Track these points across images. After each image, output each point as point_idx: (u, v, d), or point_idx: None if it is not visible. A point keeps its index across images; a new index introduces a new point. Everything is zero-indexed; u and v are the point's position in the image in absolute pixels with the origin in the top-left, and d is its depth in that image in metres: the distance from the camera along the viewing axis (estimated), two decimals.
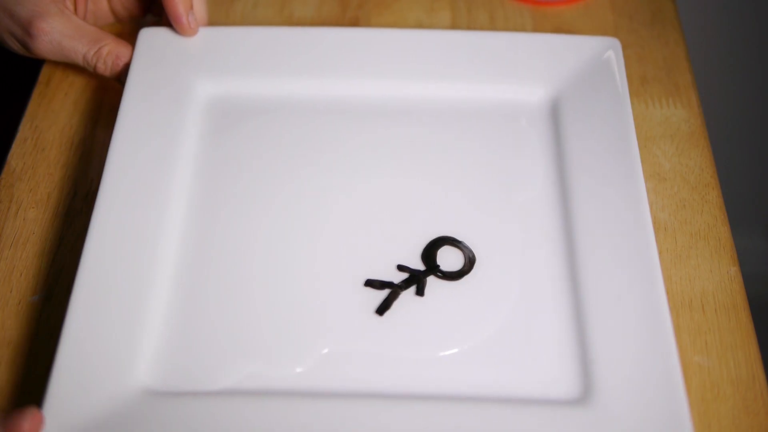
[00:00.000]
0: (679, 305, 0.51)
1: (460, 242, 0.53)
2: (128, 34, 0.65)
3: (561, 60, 0.59)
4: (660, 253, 0.53)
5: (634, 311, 0.48)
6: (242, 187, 0.55)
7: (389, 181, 0.55)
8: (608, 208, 0.52)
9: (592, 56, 0.59)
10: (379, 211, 0.54)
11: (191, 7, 0.59)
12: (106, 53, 0.59)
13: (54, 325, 0.49)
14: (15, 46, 0.60)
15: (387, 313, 0.50)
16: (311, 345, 0.49)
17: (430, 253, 0.52)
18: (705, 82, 0.75)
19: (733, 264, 0.53)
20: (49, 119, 0.60)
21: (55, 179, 0.57)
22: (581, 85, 0.58)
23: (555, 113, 0.58)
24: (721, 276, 0.53)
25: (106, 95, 0.61)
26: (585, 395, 0.46)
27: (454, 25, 0.66)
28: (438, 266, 0.52)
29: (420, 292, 0.51)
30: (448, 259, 0.52)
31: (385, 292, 0.50)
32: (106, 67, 0.59)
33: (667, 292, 0.52)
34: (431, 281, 0.51)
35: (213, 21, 0.65)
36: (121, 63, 0.59)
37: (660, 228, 0.55)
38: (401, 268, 0.52)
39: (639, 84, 0.62)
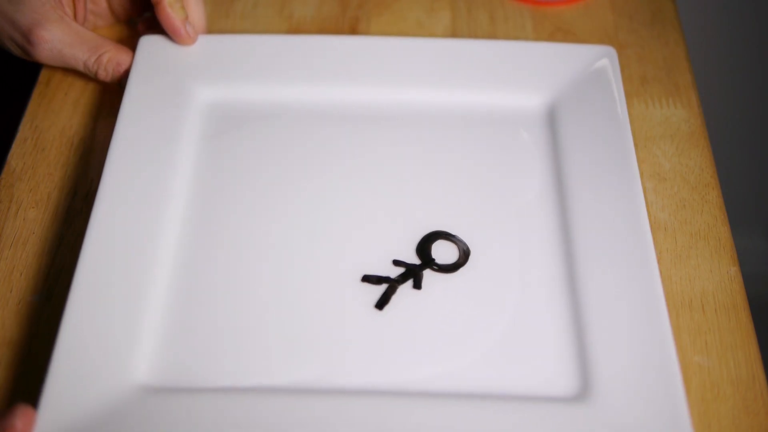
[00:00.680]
0: (679, 305, 0.51)
1: (453, 236, 0.53)
2: (128, 39, 0.65)
3: (557, 67, 0.59)
4: (660, 253, 0.53)
5: (632, 310, 0.48)
6: (240, 187, 0.55)
7: (387, 187, 0.55)
8: (605, 210, 0.53)
9: (589, 63, 0.59)
10: (377, 216, 0.54)
11: (186, 17, 0.59)
12: (107, 60, 0.59)
13: (54, 325, 0.49)
14: (16, 51, 0.60)
15: (386, 311, 0.50)
16: (310, 342, 0.49)
17: (424, 247, 0.52)
18: (705, 82, 0.75)
19: (733, 264, 0.53)
20: (49, 119, 0.60)
21: (55, 179, 0.57)
22: (578, 92, 0.58)
23: (552, 120, 0.58)
24: (721, 276, 0.53)
25: (106, 95, 0.61)
26: (583, 393, 0.46)
27: (454, 26, 0.66)
28: (433, 259, 0.52)
29: (417, 285, 0.51)
30: (444, 254, 0.52)
31: (383, 288, 0.51)
32: (107, 73, 0.59)
33: (667, 292, 0.52)
34: (428, 277, 0.51)
35: (213, 21, 0.65)
36: (122, 69, 0.59)
37: (660, 228, 0.55)
38: (397, 263, 0.52)
39: (639, 84, 0.62)
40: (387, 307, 0.50)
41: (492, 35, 0.65)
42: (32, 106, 0.61)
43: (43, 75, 0.62)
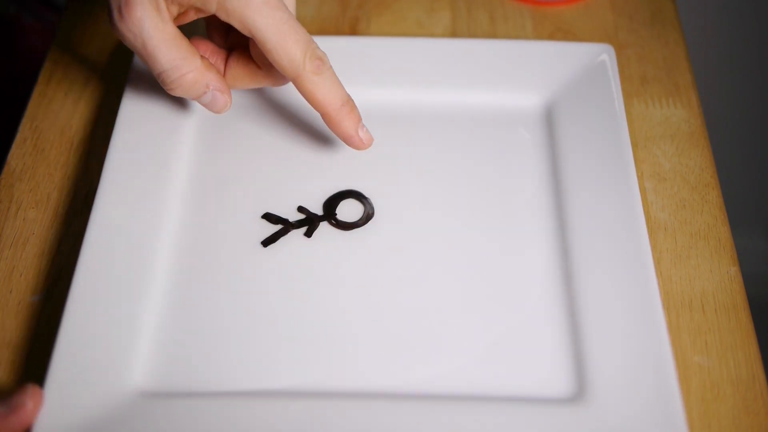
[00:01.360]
0: (679, 305, 0.51)
1: (365, 198, 0.54)
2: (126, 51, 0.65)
3: (555, 66, 0.60)
4: (660, 253, 0.53)
5: (628, 311, 0.48)
6: (240, 189, 0.55)
7: (387, 186, 0.55)
8: (602, 210, 0.53)
9: (587, 62, 0.59)
10: (376, 216, 0.54)
11: (359, 120, 0.53)
12: (189, 81, 0.51)
13: (54, 326, 0.49)
14: (111, 14, 0.50)
15: (387, 316, 0.50)
16: (308, 346, 0.49)
17: (332, 202, 0.54)
18: (705, 82, 0.75)
19: (733, 264, 0.53)
20: (49, 119, 0.60)
21: (55, 179, 0.57)
22: (576, 91, 0.58)
23: (550, 119, 0.58)
24: (721, 276, 0.53)
25: (106, 95, 0.61)
26: (579, 395, 0.46)
27: (454, 26, 0.66)
28: (335, 214, 0.53)
29: (308, 233, 0.53)
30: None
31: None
32: (183, 92, 0.52)
33: (667, 292, 0.52)
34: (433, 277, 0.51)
35: None
36: (220, 105, 0.53)
37: (660, 228, 0.55)
38: (301, 209, 0.54)
39: (639, 84, 0.62)
40: (384, 310, 0.50)
41: (492, 35, 0.65)
42: (32, 106, 0.61)
43: (43, 75, 0.62)
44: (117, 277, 0.50)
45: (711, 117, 0.69)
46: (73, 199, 0.56)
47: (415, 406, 0.46)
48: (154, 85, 0.58)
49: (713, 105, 0.90)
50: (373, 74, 0.60)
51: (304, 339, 0.49)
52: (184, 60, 0.50)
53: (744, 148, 1.15)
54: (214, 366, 0.48)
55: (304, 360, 0.48)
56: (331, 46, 0.61)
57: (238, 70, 0.54)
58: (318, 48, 0.51)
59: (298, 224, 0.53)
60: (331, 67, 0.51)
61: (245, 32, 0.49)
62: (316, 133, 0.58)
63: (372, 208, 0.54)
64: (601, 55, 0.60)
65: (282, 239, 0.53)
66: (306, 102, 0.52)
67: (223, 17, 0.49)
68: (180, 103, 0.58)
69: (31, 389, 0.45)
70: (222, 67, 0.54)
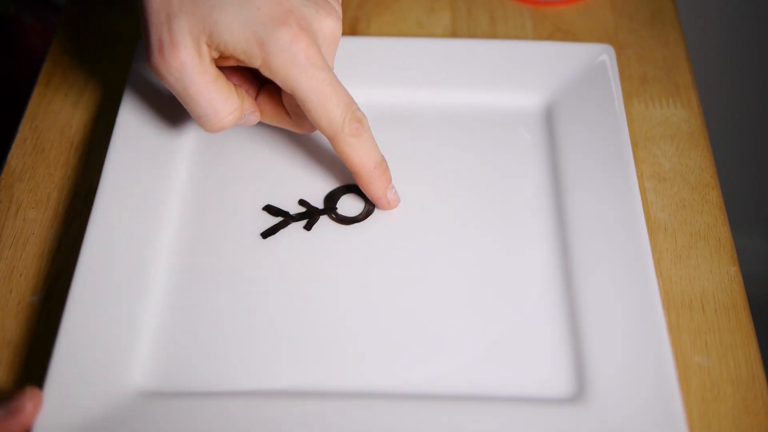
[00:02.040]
0: (679, 305, 0.51)
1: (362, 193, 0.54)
2: (126, 51, 0.65)
3: (555, 66, 0.60)
4: (660, 253, 0.53)
5: (628, 311, 0.48)
6: (240, 188, 0.55)
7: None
8: (602, 210, 0.53)
9: (587, 62, 0.59)
10: (372, 217, 0.54)
11: (390, 181, 0.53)
12: (224, 122, 0.51)
13: (54, 326, 0.49)
14: (150, 49, 0.49)
15: (387, 316, 0.50)
16: (308, 346, 0.49)
17: (333, 196, 0.54)
18: (705, 82, 0.75)
19: (733, 264, 0.53)
20: (49, 119, 0.60)
21: (55, 179, 0.57)
22: (576, 91, 0.59)
23: (550, 119, 0.58)
24: (721, 276, 0.53)
25: (106, 96, 0.61)
26: (579, 395, 0.46)
27: (454, 26, 0.66)
28: (335, 208, 0.54)
29: (308, 226, 0.53)
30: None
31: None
32: (214, 128, 0.51)
33: (667, 292, 0.52)
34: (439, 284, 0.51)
35: None
36: (251, 123, 0.53)
37: (660, 228, 0.55)
38: (302, 202, 0.54)
39: (639, 84, 0.62)
40: (384, 310, 0.50)
41: (492, 35, 0.65)
42: (32, 106, 0.61)
43: (43, 75, 0.62)
44: (117, 277, 0.50)
45: (711, 117, 0.69)
46: (73, 199, 0.56)
47: (415, 406, 0.46)
48: (153, 85, 0.58)
49: (713, 105, 0.90)
50: (373, 74, 0.60)
51: (304, 339, 0.49)
52: (225, 103, 0.50)
53: (744, 148, 1.15)
54: (214, 366, 0.48)
55: (304, 360, 0.48)
56: None
57: (266, 107, 0.53)
58: (358, 110, 0.51)
59: (299, 217, 0.53)
60: (369, 128, 0.51)
61: (287, 90, 0.49)
62: (314, 132, 0.58)
63: (372, 204, 0.54)
64: (601, 55, 0.60)
65: (282, 234, 0.53)
66: None
67: (266, 74, 0.49)
68: (179, 103, 0.58)
69: (30, 391, 0.45)
70: (254, 95, 0.53)
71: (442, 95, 0.60)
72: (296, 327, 0.49)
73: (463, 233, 0.53)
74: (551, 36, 0.65)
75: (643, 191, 0.56)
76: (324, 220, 0.54)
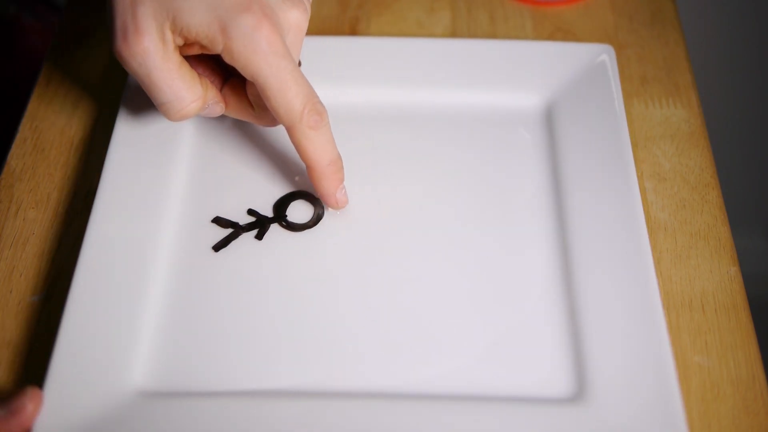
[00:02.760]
0: (679, 305, 0.51)
1: (316, 198, 0.54)
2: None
3: (555, 66, 0.60)
4: (660, 253, 0.53)
5: (628, 311, 0.48)
6: (239, 186, 0.55)
7: (386, 186, 0.55)
8: (602, 210, 0.53)
9: (587, 62, 0.59)
10: (373, 217, 0.54)
11: (342, 181, 0.53)
12: (193, 111, 0.51)
13: (54, 326, 0.49)
14: (115, 36, 0.49)
15: (387, 316, 0.50)
16: (308, 346, 0.49)
17: (282, 203, 0.54)
18: (705, 82, 0.75)
19: (733, 264, 0.53)
20: (49, 119, 0.60)
21: (55, 179, 0.57)
22: (576, 91, 0.59)
23: (550, 119, 0.58)
24: (721, 276, 0.53)
25: (106, 96, 0.61)
26: (579, 395, 0.46)
27: (454, 26, 0.66)
28: (285, 216, 0.53)
29: (259, 236, 0.53)
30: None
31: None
32: (177, 117, 0.51)
33: (667, 292, 0.52)
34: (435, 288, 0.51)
35: None
36: (215, 114, 0.53)
37: (660, 228, 0.55)
38: (251, 212, 0.54)
39: (639, 84, 0.62)
40: (384, 310, 0.50)
41: (492, 35, 0.65)
42: (32, 106, 0.61)
43: (43, 75, 0.62)
44: (117, 277, 0.50)
45: (711, 117, 0.69)
46: (73, 199, 0.56)
47: (415, 406, 0.46)
48: None
49: (713, 105, 0.90)
50: (373, 74, 0.60)
51: (304, 339, 0.49)
52: (187, 91, 0.50)
53: (744, 148, 1.15)
54: (214, 366, 0.48)
55: (304, 360, 0.48)
56: (331, 46, 0.61)
57: (230, 99, 0.53)
58: (319, 102, 0.50)
59: (248, 227, 0.53)
60: (328, 123, 0.51)
61: (248, 76, 0.49)
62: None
63: (323, 208, 0.54)
64: (601, 55, 0.60)
65: (282, 234, 0.53)
66: None
67: (228, 59, 0.48)
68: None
69: (31, 391, 0.45)
70: (219, 86, 0.53)
71: (442, 95, 0.60)
72: (296, 327, 0.49)
73: (463, 233, 0.53)
74: (551, 36, 0.65)
75: (643, 191, 0.56)
76: (323, 221, 0.54)
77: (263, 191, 0.55)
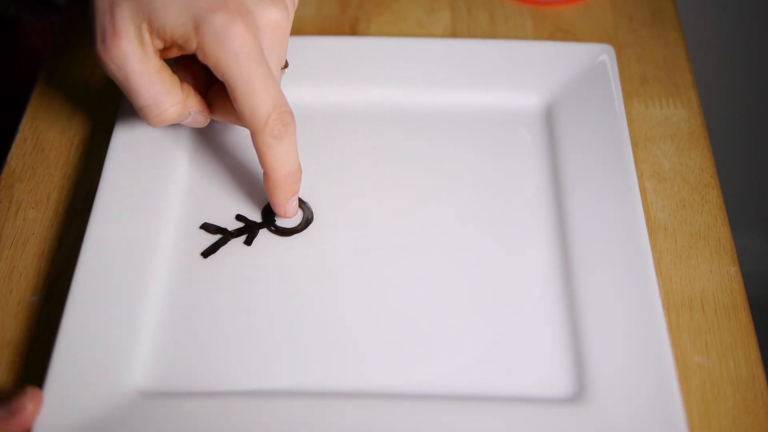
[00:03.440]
0: (679, 305, 0.51)
1: (303, 202, 0.54)
2: None
3: (555, 66, 0.60)
4: (660, 253, 0.53)
5: (628, 311, 0.48)
6: (238, 186, 0.55)
7: (386, 186, 0.55)
8: (602, 211, 0.53)
9: (587, 62, 0.59)
10: (373, 217, 0.54)
11: (295, 194, 0.52)
12: (169, 115, 0.50)
13: (54, 326, 0.49)
14: (96, 37, 0.49)
15: (387, 316, 0.50)
16: (308, 346, 0.49)
17: (270, 208, 0.54)
18: (705, 82, 0.75)
19: (733, 264, 0.53)
20: (49, 119, 0.60)
21: (55, 179, 0.57)
22: (576, 91, 0.59)
23: (550, 119, 0.58)
24: (721, 276, 0.53)
25: (106, 96, 0.61)
26: (579, 395, 0.46)
27: (454, 26, 0.66)
28: (274, 220, 0.53)
29: (248, 241, 0.52)
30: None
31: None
32: (158, 122, 0.51)
33: (667, 292, 0.52)
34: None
35: None
36: (199, 124, 0.53)
37: (660, 228, 0.55)
38: (239, 217, 0.54)
39: (639, 84, 0.62)
40: (384, 310, 0.50)
41: (492, 35, 0.65)
42: (32, 106, 0.61)
43: (43, 75, 0.62)
44: (117, 277, 0.50)
45: (711, 117, 0.69)
46: (73, 199, 0.56)
47: (415, 406, 0.46)
48: None
49: (713, 105, 0.90)
50: (373, 74, 0.60)
51: (304, 339, 0.49)
52: (166, 95, 0.49)
53: (744, 148, 1.15)
54: (214, 366, 0.48)
55: (304, 360, 0.48)
56: (331, 46, 0.61)
57: (215, 102, 0.52)
58: (287, 112, 0.49)
59: (237, 233, 0.53)
60: (294, 133, 0.50)
61: (218, 76, 0.48)
62: (314, 133, 0.58)
63: (311, 213, 0.54)
64: (601, 55, 0.60)
65: (280, 237, 0.53)
66: None
67: (201, 58, 0.48)
68: None
69: (31, 392, 0.45)
70: (203, 91, 0.53)
71: (442, 95, 0.60)
72: (296, 327, 0.49)
73: (463, 233, 0.53)
74: (551, 36, 0.65)
75: (643, 191, 0.56)
76: (316, 223, 0.54)
77: (262, 190, 0.55)
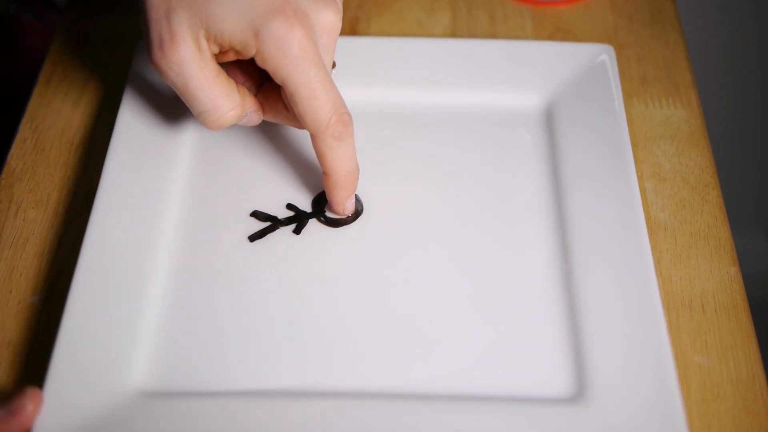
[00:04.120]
0: (679, 305, 0.51)
1: (355, 195, 0.54)
2: (126, 51, 0.65)
3: (555, 66, 0.60)
4: (660, 253, 0.53)
5: (628, 311, 0.48)
6: (239, 186, 0.55)
7: (386, 186, 0.55)
8: (602, 211, 0.53)
9: (587, 62, 0.59)
10: (372, 216, 0.54)
11: (354, 191, 0.53)
12: (231, 119, 0.50)
13: (54, 326, 0.49)
14: (152, 43, 0.48)
15: (387, 316, 0.50)
16: (308, 346, 0.49)
17: (321, 199, 0.54)
18: (705, 82, 0.75)
19: (733, 264, 0.53)
20: (49, 119, 0.60)
21: (55, 179, 0.57)
22: (576, 91, 0.59)
23: (550, 119, 0.58)
24: (721, 276, 0.53)
25: (106, 96, 0.61)
26: (579, 394, 0.46)
27: (454, 26, 0.66)
28: (323, 211, 0.54)
29: (297, 230, 0.53)
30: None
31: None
32: (215, 126, 0.51)
33: (667, 292, 0.52)
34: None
35: None
36: (253, 123, 0.53)
37: (660, 228, 0.55)
38: (290, 206, 0.54)
39: (639, 84, 0.62)
40: (384, 311, 0.50)
41: (492, 35, 0.65)
42: (32, 106, 0.61)
43: (43, 75, 0.62)
44: (117, 277, 0.50)
45: (711, 117, 0.69)
46: (73, 199, 0.56)
47: (415, 406, 0.46)
48: (153, 85, 0.58)
49: (713, 105, 0.90)
50: (373, 74, 0.60)
51: (304, 339, 0.49)
52: (225, 99, 0.49)
53: (744, 148, 1.15)
54: (214, 366, 0.48)
55: (304, 360, 0.48)
56: None
57: (266, 103, 0.53)
58: (346, 113, 0.50)
59: (287, 221, 0.53)
60: (352, 134, 0.50)
61: (278, 81, 0.48)
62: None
63: (361, 205, 0.54)
64: (601, 55, 0.60)
65: (283, 234, 0.53)
66: None
67: (260, 63, 0.48)
68: (179, 103, 0.58)
69: (31, 392, 0.45)
70: (254, 92, 0.53)
71: (442, 95, 0.60)
72: (296, 327, 0.49)
73: (463, 233, 0.53)
74: (551, 36, 0.65)
75: (643, 191, 0.56)
76: (314, 223, 0.54)
77: (266, 190, 0.55)
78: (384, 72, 0.60)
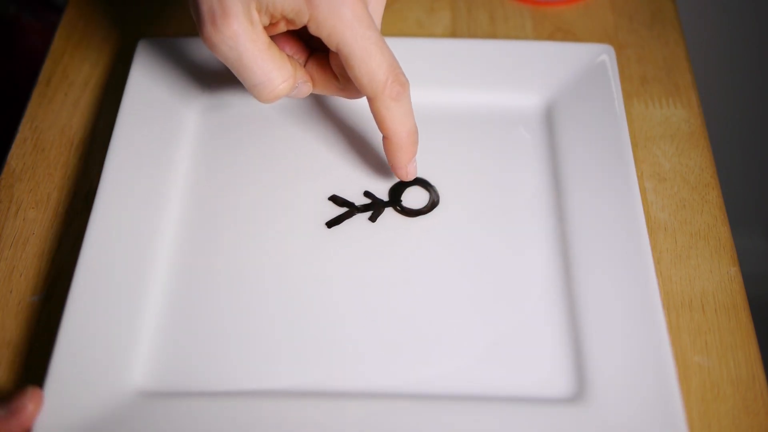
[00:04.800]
0: (679, 305, 0.51)
1: (431, 186, 0.55)
2: (126, 51, 0.65)
3: (555, 67, 0.60)
4: (660, 253, 0.53)
5: (628, 311, 0.48)
6: (239, 187, 0.55)
7: (384, 186, 0.55)
8: (602, 210, 0.53)
9: (587, 62, 0.59)
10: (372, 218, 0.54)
11: (415, 153, 0.53)
12: (284, 91, 0.50)
13: (54, 326, 0.49)
14: (202, 18, 0.48)
15: (387, 316, 0.50)
16: (308, 345, 0.49)
17: (397, 189, 0.55)
18: (705, 82, 0.75)
19: (733, 264, 0.53)
20: (49, 119, 0.60)
21: (55, 179, 0.57)
22: (576, 91, 0.59)
23: (550, 119, 0.58)
24: (721, 276, 0.53)
25: (106, 95, 0.61)
26: (579, 394, 0.46)
27: (454, 26, 0.66)
28: (400, 201, 0.54)
29: (373, 218, 0.54)
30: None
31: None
32: (269, 97, 0.50)
33: (667, 292, 0.52)
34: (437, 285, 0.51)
35: None
36: (303, 94, 0.53)
37: (660, 228, 0.55)
38: (367, 194, 0.54)
39: (639, 84, 0.62)
40: (384, 310, 0.50)
41: (492, 35, 0.65)
42: (32, 106, 0.61)
43: (43, 75, 0.62)
44: (117, 277, 0.50)
45: (711, 117, 0.69)
46: (73, 199, 0.56)
47: (415, 406, 0.46)
48: (154, 84, 0.58)
49: (713, 105, 0.90)
50: None
51: (304, 339, 0.49)
52: (278, 71, 0.49)
53: (744, 148, 1.15)
54: (214, 366, 0.48)
55: (304, 360, 0.48)
56: None
57: (315, 73, 0.53)
58: (402, 73, 0.50)
59: (363, 209, 0.54)
60: (409, 95, 0.51)
61: (332, 46, 0.48)
62: (309, 139, 0.58)
63: (437, 196, 0.55)
64: (601, 55, 0.60)
65: (283, 234, 0.53)
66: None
67: (313, 30, 0.48)
68: (180, 102, 0.58)
69: (31, 391, 0.45)
70: (303, 64, 0.53)
71: (442, 95, 0.60)
72: (296, 327, 0.49)
73: (463, 233, 0.53)
74: (551, 36, 0.65)
75: (643, 191, 0.56)
76: (315, 222, 0.54)
77: (266, 190, 0.55)
78: None
